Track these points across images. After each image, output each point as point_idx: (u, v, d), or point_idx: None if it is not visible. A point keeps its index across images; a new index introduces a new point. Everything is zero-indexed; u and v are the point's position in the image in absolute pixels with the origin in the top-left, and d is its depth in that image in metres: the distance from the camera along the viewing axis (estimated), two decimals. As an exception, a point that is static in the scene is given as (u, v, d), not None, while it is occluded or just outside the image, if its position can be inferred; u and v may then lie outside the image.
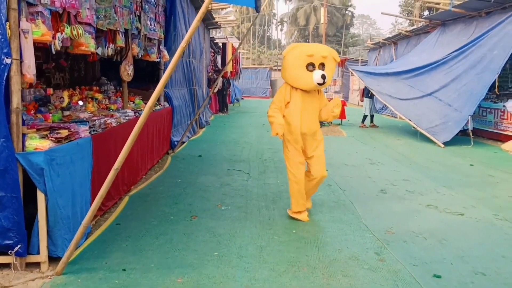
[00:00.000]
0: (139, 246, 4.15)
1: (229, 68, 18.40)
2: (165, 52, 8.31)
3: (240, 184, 6.55)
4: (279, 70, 49.16)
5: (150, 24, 7.36)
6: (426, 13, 30.88)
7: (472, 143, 10.66)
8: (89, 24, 4.66)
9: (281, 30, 67.99)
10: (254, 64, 48.83)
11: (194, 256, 3.94)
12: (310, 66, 4.66)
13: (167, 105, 8.84)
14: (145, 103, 7.87)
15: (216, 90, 18.10)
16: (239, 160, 8.45)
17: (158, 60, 7.97)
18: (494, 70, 10.28)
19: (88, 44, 4.60)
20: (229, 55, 18.06)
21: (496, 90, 11.25)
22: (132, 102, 7.55)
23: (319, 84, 4.66)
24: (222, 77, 18.29)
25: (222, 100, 18.99)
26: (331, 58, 4.76)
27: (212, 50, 18.76)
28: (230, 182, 6.65)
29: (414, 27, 19.86)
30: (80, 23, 4.44)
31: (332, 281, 3.51)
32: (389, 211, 5.43)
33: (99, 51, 5.08)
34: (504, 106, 10.89)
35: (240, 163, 8.10)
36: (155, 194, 5.94)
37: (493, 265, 3.88)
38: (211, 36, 18.34)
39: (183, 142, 9.86)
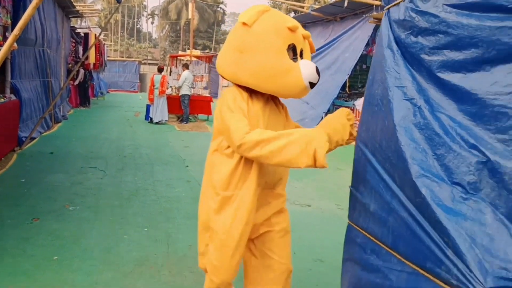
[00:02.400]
0: (-36, 255, 3.67)
1: (91, 59, 17.39)
2: (11, 39, 7.52)
3: (94, 183, 6.19)
4: (149, 63, 47.93)
5: (-9, 7, 6.60)
6: (292, 14, 32.53)
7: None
8: None
9: (152, 23, 66.48)
10: (123, 57, 47.01)
11: (31, 262, 3.59)
12: (291, 51, 2.32)
13: (13, 97, 8.02)
14: (-14, 95, 7.07)
15: (77, 82, 17.00)
16: (96, 157, 7.99)
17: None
18: (346, 71, 11.14)
19: None
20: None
21: (347, 89, 12.21)
22: (-32, 93, 6.72)
23: (312, 86, 2.34)
24: (84, 69, 17.22)
25: (84, 94, 17.85)
26: (307, 42, 2.47)
27: (74, 40, 17.57)
28: (82, 181, 6.24)
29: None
30: None
31: (178, 278, 3.46)
32: (244, 206, 5.54)
33: None
34: (353, 104, 11.85)
35: (96, 160, 7.66)
36: (-8, 195, 5.34)
37: (331, 252, 4.15)
38: (72, 25, 17.16)
39: (33, 138, 9.04)
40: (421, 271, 1.72)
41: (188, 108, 14.13)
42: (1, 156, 7.21)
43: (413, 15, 1.92)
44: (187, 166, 7.56)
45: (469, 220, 1.61)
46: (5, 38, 7.23)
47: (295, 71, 2.26)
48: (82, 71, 17.05)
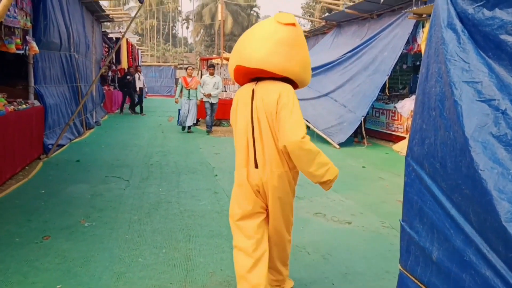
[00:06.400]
0: (-39, 281, 3.30)
1: (124, 64, 17.30)
2: (33, 44, 7.29)
3: (115, 194, 5.80)
4: (185, 68, 47.73)
5: (9, 10, 6.34)
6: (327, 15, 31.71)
7: (365, 144, 10.76)
8: None
9: (187, 28, 66.90)
10: (159, 62, 47.29)
11: (30, 291, 3.19)
12: None
13: (37, 103, 7.78)
14: (8, 102, 6.84)
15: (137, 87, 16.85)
16: (122, 165, 7.65)
17: (22, 52, 6.95)
18: (385, 71, 10.42)
19: None
20: (123, 51, 16.96)
21: (387, 91, 11.48)
22: (-10, 100, 6.49)
23: None
24: (130, 73, 16.88)
25: (130, 98, 17.48)
26: None
27: (106, 45, 17.52)
28: (103, 192, 5.87)
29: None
30: None
31: (194, 316, 2.97)
32: (275, 221, 5.00)
33: None
34: (394, 107, 11.12)
35: (122, 169, 7.31)
36: (6, 209, 5.01)
37: (376, 284, 3.55)
38: (104, 30, 17.12)
39: (61, 145, 8.81)
40: None
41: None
42: (24, 165, 6.96)
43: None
44: (216, 175, 7.10)
45: None
46: (25, 41, 6.98)
47: None
48: (142, 77, 16.93)
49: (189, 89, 12.16)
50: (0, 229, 4.36)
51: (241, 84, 3.04)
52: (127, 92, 17.22)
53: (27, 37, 7.14)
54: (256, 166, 2.81)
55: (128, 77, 16.95)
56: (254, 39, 2.74)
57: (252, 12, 57.08)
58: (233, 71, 2.92)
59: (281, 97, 2.69)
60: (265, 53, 2.66)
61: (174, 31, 65.55)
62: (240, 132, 2.87)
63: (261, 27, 2.81)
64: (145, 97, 25.74)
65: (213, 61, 17.30)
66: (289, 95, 2.70)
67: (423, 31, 9.82)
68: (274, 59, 2.66)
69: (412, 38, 10.47)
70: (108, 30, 18.93)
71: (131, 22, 10.48)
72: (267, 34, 2.70)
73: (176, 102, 12.96)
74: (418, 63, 12.08)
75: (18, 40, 6.66)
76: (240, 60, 2.78)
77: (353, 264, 3.90)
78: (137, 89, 16.98)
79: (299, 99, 9.36)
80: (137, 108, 17.42)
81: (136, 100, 17.32)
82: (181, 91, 12.41)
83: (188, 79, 12.19)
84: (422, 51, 9.76)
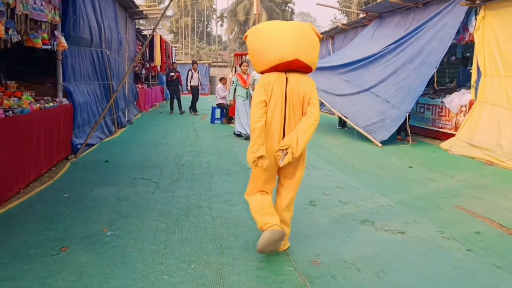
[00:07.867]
0: (-36, 301, 2.91)
1: (157, 61, 17.03)
2: (62, 39, 6.97)
3: (143, 198, 5.37)
4: (219, 66, 47.82)
5: (35, 3, 6.02)
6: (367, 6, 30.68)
7: (410, 142, 10.04)
8: None
9: (221, 26, 66.77)
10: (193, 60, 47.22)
11: (38, 316, 2.76)
12: None
13: (66, 101, 7.47)
14: (36, 100, 6.55)
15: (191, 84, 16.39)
16: (152, 166, 7.24)
17: (50, 47, 6.63)
18: (432, 63, 9.65)
19: None
20: (157, 48, 16.68)
21: (435, 85, 10.69)
22: (16, 98, 6.19)
23: None
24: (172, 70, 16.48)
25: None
26: None
27: (140, 43, 17.30)
28: (130, 196, 5.45)
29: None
30: None
31: None
32: (318, 230, 4.44)
33: None
34: (442, 102, 10.34)
35: (151, 170, 6.90)
36: (27, 215, 4.64)
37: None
38: (137, 27, 16.90)
39: (91, 145, 8.50)
40: None
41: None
42: (50, 165, 6.64)
43: None
44: (251, 177, 6.59)
45: None
46: (53, 36, 6.65)
47: None
48: (195, 74, 16.49)
49: (247, 88, 10.67)
50: (16, 238, 3.99)
51: (263, 71, 3.72)
52: (172, 91, 16.87)
53: (55, 32, 6.82)
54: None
55: (171, 74, 16.57)
56: (307, 43, 3.62)
57: (287, 8, 56.35)
58: (279, 60, 3.54)
59: (313, 87, 3.68)
60: (316, 57, 3.72)
61: (208, 29, 65.53)
62: (273, 111, 3.60)
63: (310, 33, 3.67)
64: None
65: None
66: (314, 86, 3.71)
67: (475, 19, 9.00)
68: (316, 60, 3.74)
69: (463, 27, 9.65)
70: (142, 28, 18.71)
71: (162, 15, 10.09)
72: (315, 43, 3.71)
73: (233, 104, 11.23)
74: (468, 54, 11.21)
75: (45, 35, 6.32)
76: (298, 55, 3.53)
77: (412, 284, 3.31)
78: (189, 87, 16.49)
79: (337, 95, 11.25)
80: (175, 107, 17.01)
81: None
82: (234, 91, 10.90)
83: (244, 77, 10.72)
84: (475, 40, 8.96)
